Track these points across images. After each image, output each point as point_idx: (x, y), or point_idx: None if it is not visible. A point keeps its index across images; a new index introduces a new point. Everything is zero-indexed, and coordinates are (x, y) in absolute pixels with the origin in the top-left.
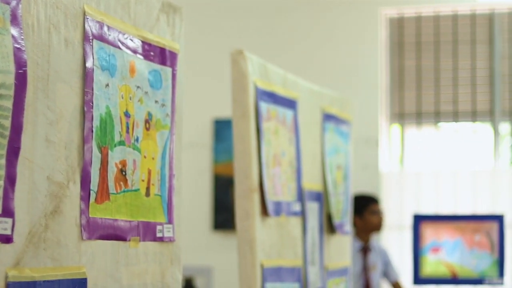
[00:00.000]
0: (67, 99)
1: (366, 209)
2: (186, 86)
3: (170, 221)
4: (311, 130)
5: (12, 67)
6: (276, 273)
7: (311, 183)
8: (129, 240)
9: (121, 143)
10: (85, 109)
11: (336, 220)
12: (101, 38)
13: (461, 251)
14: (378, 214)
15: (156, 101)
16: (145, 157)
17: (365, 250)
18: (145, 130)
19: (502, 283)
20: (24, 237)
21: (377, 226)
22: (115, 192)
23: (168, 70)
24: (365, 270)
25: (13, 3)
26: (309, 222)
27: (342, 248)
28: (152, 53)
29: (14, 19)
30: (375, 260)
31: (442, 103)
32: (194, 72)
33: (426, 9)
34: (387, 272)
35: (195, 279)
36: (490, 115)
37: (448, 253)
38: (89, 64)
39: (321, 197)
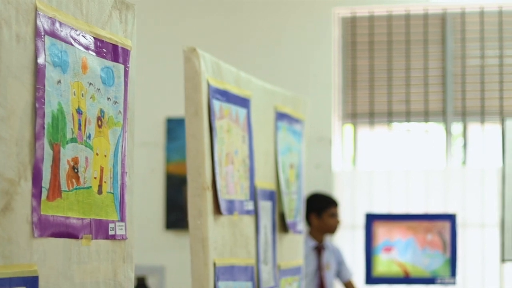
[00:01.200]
0: (19, 95)
1: (325, 211)
2: (139, 84)
3: (122, 219)
4: (264, 129)
5: None
6: (229, 271)
7: (264, 182)
8: (81, 238)
9: (73, 140)
10: (37, 105)
11: (289, 219)
12: (53, 34)
13: (413, 250)
14: (336, 217)
15: (108, 98)
16: (97, 154)
17: (319, 249)
18: (97, 127)
19: (454, 283)
20: None
21: (333, 229)
22: (67, 189)
23: (121, 67)
24: (319, 269)
25: None
26: (261, 221)
27: (295, 247)
28: (104, 50)
29: None
30: (329, 259)
31: (394, 102)
32: (147, 70)
33: (379, 9)
34: (340, 272)
35: (148, 278)
36: (442, 115)
37: (400, 252)
38: (41, 60)
39: (274, 196)
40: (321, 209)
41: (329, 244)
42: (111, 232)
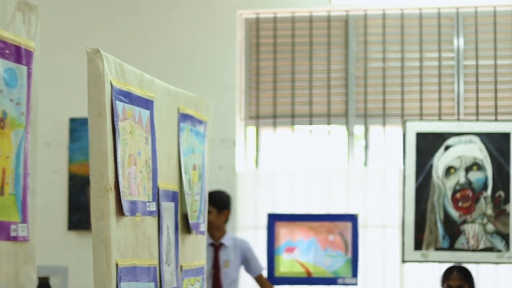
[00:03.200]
0: None
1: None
2: (42, 85)
3: (24, 221)
4: (167, 130)
5: None
6: (131, 272)
7: (167, 183)
8: None
9: None
10: None
11: (191, 220)
12: None
13: (315, 251)
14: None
15: (11, 100)
16: None
17: (216, 246)
18: (0, 128)
19: (355, 283)
20: None
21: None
22: None
23: (24, 68)
24: (215, 267)
25: None
26: (164, 222)
27: (198, 247)
28: (7, 51)
29: None
30: (229, 256)
31: (297, 104)
32: (50, 71)
33: (282, 11)
34: (248, 267)
35: (50, 278)
36: (345, 117)
37: (302, 252)
38: None
39: (177, 197)
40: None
41: (232, 240)
42: (12, 234)
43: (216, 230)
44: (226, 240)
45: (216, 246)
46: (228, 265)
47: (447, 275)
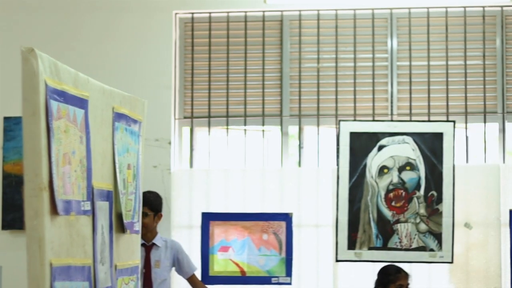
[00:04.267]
0: None
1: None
2: None
3: None
4: (102, 129)
5: None
6: (65, 272)
7: (101, 182)
8: None
9: None
10: None
11: (126, 220)
12: None
13: (249, 250)
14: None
15: None
16: None
17: (147, 247)
18: None
19: (289, 282)
20: None
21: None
22: None
23: None
24: (146, 267)
25: None
26: (98, 221)
27: (132, 247)
28: None
29: None
30: (160, 257)
31: (232, 104)
32: None
33: (218, 11)
34: (180, 269)
35: None
36: (279, 117)
37: (236, 252)
38: None
39: (111, 196)
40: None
41: (163, 241)
42: None
43: (149, 232)
44: (157, 241)
45: (147, 247)
46: (159, 265)
47: (397, 274)
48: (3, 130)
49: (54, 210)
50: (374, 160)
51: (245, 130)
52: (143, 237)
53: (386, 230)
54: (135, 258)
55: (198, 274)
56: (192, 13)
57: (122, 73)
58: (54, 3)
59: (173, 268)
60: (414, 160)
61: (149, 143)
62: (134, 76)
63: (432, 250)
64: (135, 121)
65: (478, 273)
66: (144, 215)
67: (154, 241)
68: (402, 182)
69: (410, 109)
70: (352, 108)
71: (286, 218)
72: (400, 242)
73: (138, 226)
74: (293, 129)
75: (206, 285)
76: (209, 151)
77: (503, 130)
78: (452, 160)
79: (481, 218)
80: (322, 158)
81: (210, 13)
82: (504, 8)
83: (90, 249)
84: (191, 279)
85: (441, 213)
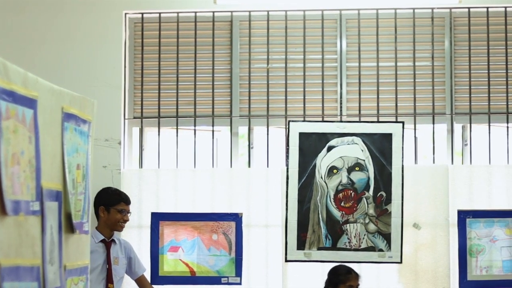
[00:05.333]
0: None
1: (114, 206)
2: None
3: None
4: (51, 130)
5: None
6: (14, 272)
7: (51, 183)
8: None
9: None
10: None
11: (75, 220)
12: None
13: (199, 250)
14: (124, 214)
15: None
16: None
17: (107, 243)
18: None
19: (239, 282)
20: None
21: (119, 226)
22: None
23: None
24: (108, 263)
25: None
26: (48, 222)
27: (81, 247)
28: None
29: None
30: (118, 254)
31: (182, 104)
32: None
33: (168, 11)
34: (130, 268)
35: None
36: (229, 118)
37: (186, 252)
38: None
39: (60, 197)
40: (110, 204)
41: (117, 239)
42: None
43: (107, 227)
44: (114, 238)
45: (107, 243)
46: (117, 262)
47: (347, 275)
48: None
49: (2, 211)
50: (323, 161)
51: (195, 130)
52: (103, 232)
53: (335, 230)
54: (85, 259)
55: (147, 274)
56: (142, 13)
57: (71, 73)
58: (3, 2)
59: None
60: (363, 160)
61: (99, 143)
62: (83, 76)
63: (381, 250)
64: (84, 121)
65: (426, 273)
66: (128, 213)
67: (113, 237)
68: (351, 183)
69: (359, 110)
70: (301, 108)
71: (236, 218)
72: (349, 242)
73: (87, 226)
74: (242, 130)
75: (156, 285)
76: (159, 151)
77: (451, 131)
78: (401, 160)
79: (430, 218)
80: (271, 159)
81: (160, 13)
82: (453, 10)
83: (39, 249)
84: (139, 280)
85: (390, 213)
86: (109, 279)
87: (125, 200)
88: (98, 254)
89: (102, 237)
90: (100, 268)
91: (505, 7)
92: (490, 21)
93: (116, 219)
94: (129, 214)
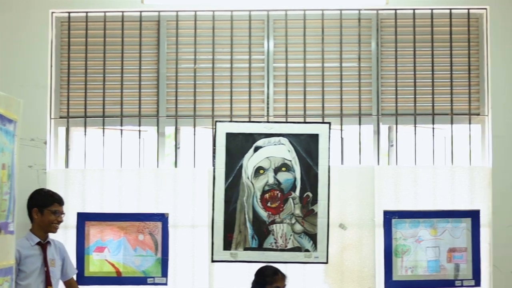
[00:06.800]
0: None
1: (48, 207)
2: None
3: None
4: None
5: None
6: None
7: None
8: None
9: None
10: None
11: (0, 220)
12: None
13: (125, 250)
14: (57, 215)
15: None
16: None
17: (43, 245)
18: None
19: (165, 283)
20: None
21: (53, 227)
22: None
23: None
24: (45, 265)
25: None
26: None
27: (7, 247)
28: None
29: None
30: (54, 255)
31: (108, 104)
32: None
33: (95, 10)
34: (63, 269)
35: None
36: (156, 118)
37: (112, 252)
38: None
39: None
40: (43, 205)
41: (52, 240)
42: None
43: (41, 229)
44: (49, 239)
45: (43, 245)
46: (54, 264)
47: (274, 276)
48: None
49: None
50: (250, 161)
51: (121, 130)
52: (39, 234)
53: (261, 230)
54: (10, 259)
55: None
56: (69, 12)
57: None
58: None
59: None
60: (290, 161)
61: (24, 142)
62: (9, 75)
63: (307, 250)
64: (10, 121)
65: (352, 273)
66: (62, 214)
67: (48, 239)
68: (278, 183)
69: (286, 110)
70: (228, 109)
71: (162, 218)
72: (275, 242)
73: (12, 227)
74: (169, 130)
75: (82, 286)
76: (85, 151)
77: (377, 132)
78: (328, 161)
79: (356, 219)
80: (198, 159)
81: (87, 12)
82: (380, 11)
83: None
84: (69, 282)
85: (316, 213)
86: (48, 282)
87: (59, 201)
88: (35, 257)
89: (38, 240)
90: (38, 271)
91: (431, 9)
92: (416, 23)
93: (50, 221)
94: (62, 215)
